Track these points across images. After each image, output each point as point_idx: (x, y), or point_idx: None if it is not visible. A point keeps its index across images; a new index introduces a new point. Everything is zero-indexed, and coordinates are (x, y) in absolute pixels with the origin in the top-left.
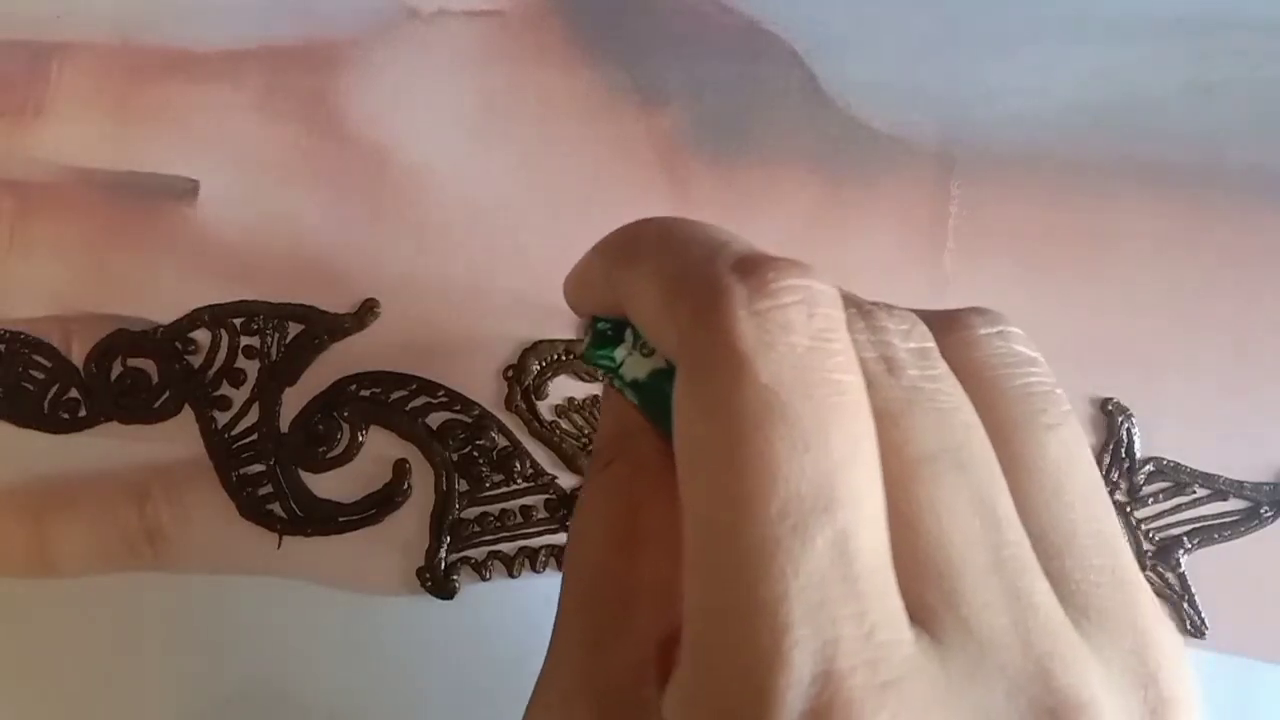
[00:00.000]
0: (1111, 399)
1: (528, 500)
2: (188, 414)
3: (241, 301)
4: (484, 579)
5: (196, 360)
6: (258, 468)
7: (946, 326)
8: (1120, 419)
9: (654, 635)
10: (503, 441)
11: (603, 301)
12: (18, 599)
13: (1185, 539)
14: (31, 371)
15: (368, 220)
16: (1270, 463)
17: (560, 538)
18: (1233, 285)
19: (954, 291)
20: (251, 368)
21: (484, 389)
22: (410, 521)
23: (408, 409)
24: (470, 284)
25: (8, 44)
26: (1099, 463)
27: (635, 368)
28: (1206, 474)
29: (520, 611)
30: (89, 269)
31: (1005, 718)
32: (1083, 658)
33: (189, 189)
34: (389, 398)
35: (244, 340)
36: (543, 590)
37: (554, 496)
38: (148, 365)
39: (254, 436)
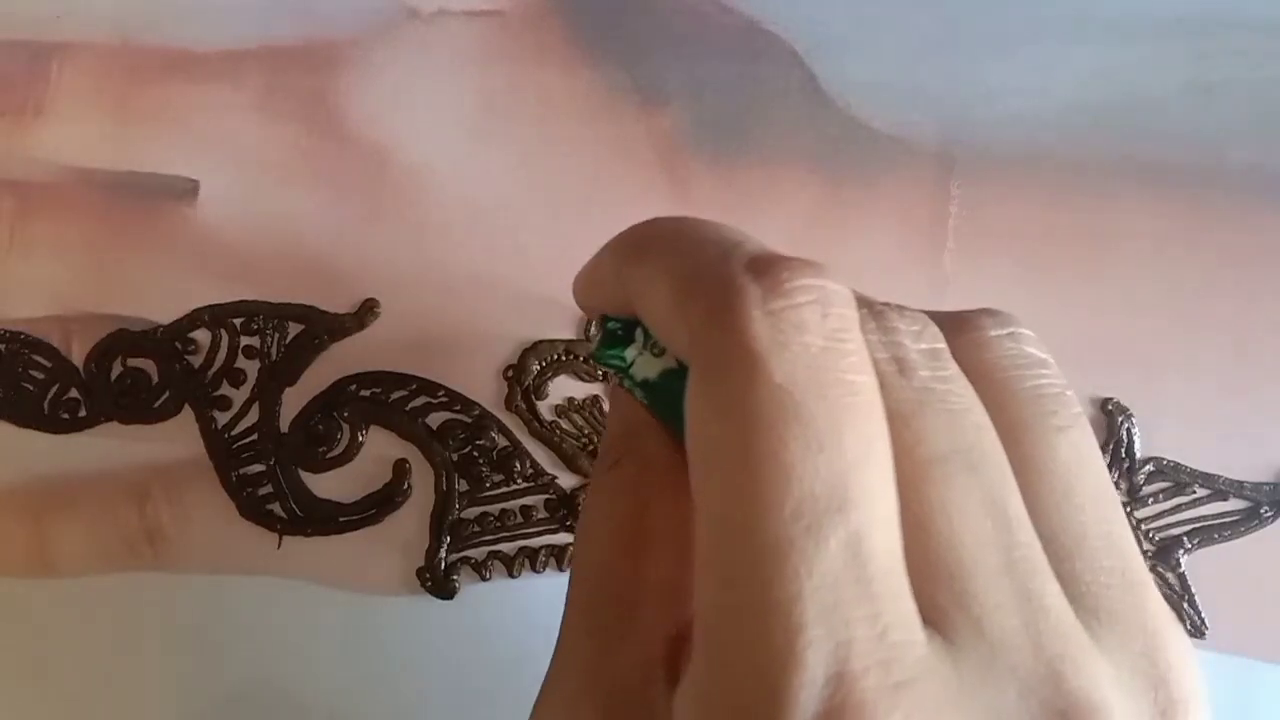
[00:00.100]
0: (1111, 399)
1: (528, 500)
2: (188, 414)
3: (241, 301)
4: (484, 579)
5: (196, 360)
6: (258, 468)
7: (957, 328)
8: (1120, 419)
9: (661, 635)
10: (503, 441)
11: (613, 300)
12: (18, 599)
13: (1185, 539)
14: (31, 371)
15: (368, 220)
16: (1270, 463)
17: (560, 538)
18: (1233, 285)
19: (954, 291)
20: (251, 368)
21: (484, 389)
22: (410, 521)
23: (408, 409)
24: (470, 284)
25: (8, 44)
26: None
27: (646, 368)
28: (1206, 474)
29: (520, 611)
30: (89, 269)
31: (1017, 719)
32: (1094, 660)
33: (189, 189)
34: (389, 398)
35: (244, 340)
36: (543, 590)
37: (554, 496)
38: (148, 365)
39: (254, 436)
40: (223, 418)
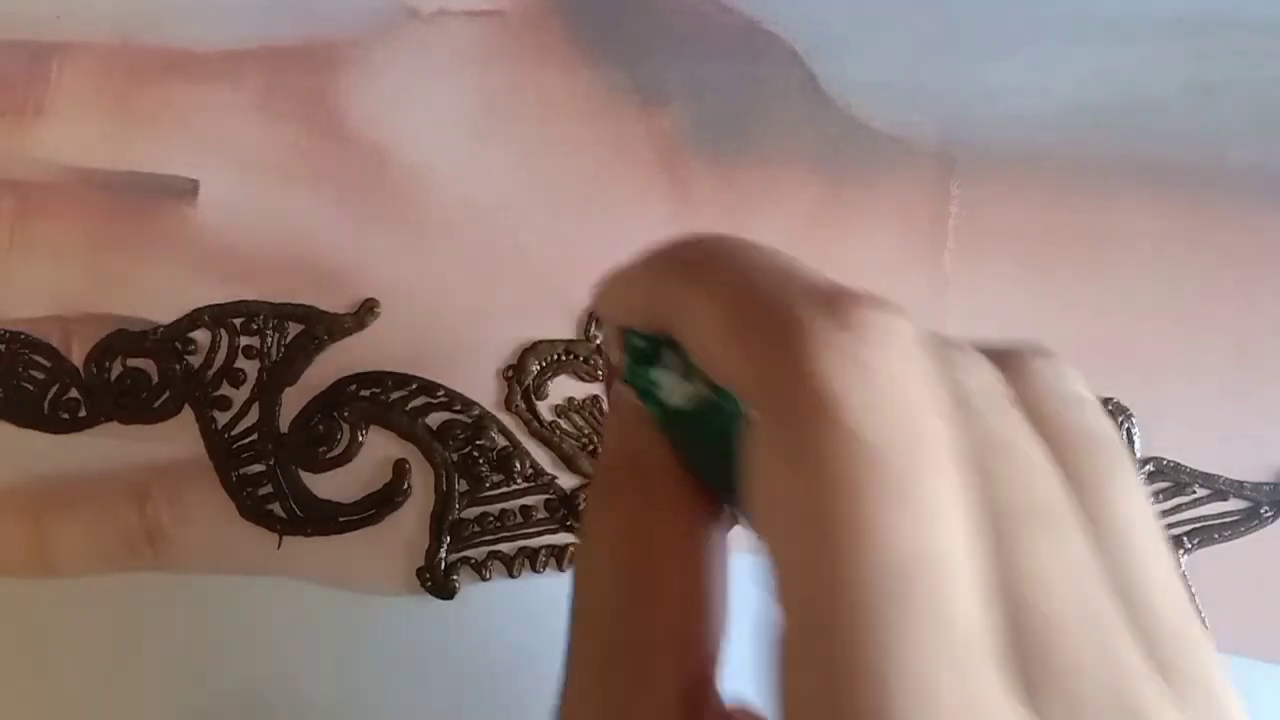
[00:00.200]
0: (1112, 399)
1: (528, 500)
2: (188, 414)
3: (241, 301)
4: (484, 579)
5: (196, 360)
6: (258, 468)
7: (1002, 363)
8: (1121, 419)
9: (675, 687)
10: (502, 441)
11: (643, 315)
12: (18, 599)
13: (1185, 539)
14: (31, 371)
15: (368, 220)
16: (1270, 463)
17: (560, 538)
18: (1233, 285)
19: (954, 291)
20: (251, 368)
21: (484, 389)
22: (410, 521)
23: (408, 409)
24: (470, 284)
25: (8, 44)
26: None
27: (677, 394)
28: (1207, 474)
29: (520, 611)
30: (89, 269)
31: None
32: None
33: (189, 189)
34: (389, 398)
35: (244, 340)
36: (543, 590)
37: (554, 496)
38: (148, 365)
39: (254, 436)
40: (223, 418)
